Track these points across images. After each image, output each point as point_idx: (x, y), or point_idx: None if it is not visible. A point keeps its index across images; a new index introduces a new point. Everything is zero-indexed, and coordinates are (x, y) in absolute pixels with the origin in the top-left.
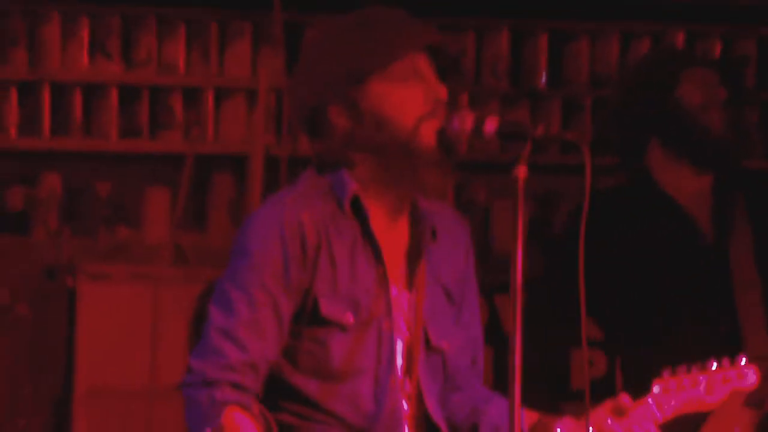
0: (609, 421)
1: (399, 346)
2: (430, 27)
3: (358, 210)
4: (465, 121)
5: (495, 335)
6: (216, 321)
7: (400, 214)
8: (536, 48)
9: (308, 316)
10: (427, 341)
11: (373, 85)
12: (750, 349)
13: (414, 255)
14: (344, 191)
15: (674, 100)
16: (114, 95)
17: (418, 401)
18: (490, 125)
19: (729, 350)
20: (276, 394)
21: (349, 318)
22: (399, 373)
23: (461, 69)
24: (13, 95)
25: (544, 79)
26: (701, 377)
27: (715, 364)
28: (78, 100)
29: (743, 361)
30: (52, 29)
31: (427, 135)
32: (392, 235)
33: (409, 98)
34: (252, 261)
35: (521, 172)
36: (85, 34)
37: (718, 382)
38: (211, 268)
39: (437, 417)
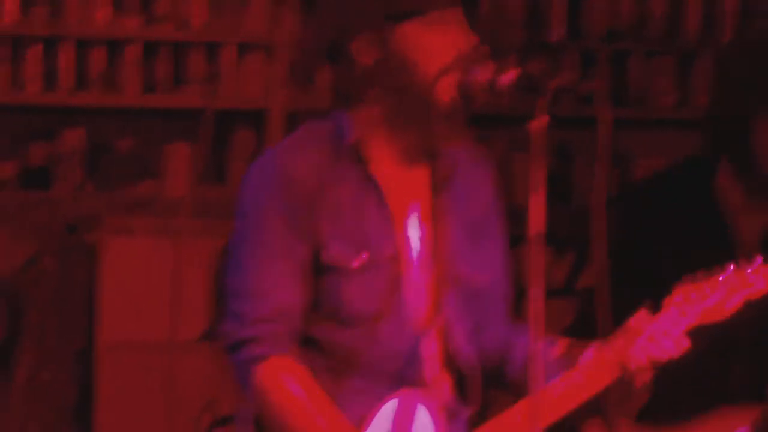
0: (634, 340)
1: (423, 284)
2: None
3: (359, 156)
4: (484, 73)
5: (515, 286)
6: (229, 284)
7: (414, 157)
8: (552, 0)
9: (317, 262)
10: (456, 276)
11: (407, 26)
12: None
13: (435, 191)
14: (344, 138)
15: (747, 139)
16: (134, 51)
17: (446, 339)
18: (508, 77)
19: (754, 370)
20: (312, 348)
21: (358, 260)
22: (424, 311)
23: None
24: (35, 51)
25: (561, 31)
26: (715, 283)
27: (732, 266)
28: (99, 55)
29: (759, 261)
30: None
31: (446, 88)
32: (405, 176)
33: (440, 46)
34: (252, 217)
35: (539, 124)
36: None
37: (736, 286)
38: (232, 222)
39: (464, 355)
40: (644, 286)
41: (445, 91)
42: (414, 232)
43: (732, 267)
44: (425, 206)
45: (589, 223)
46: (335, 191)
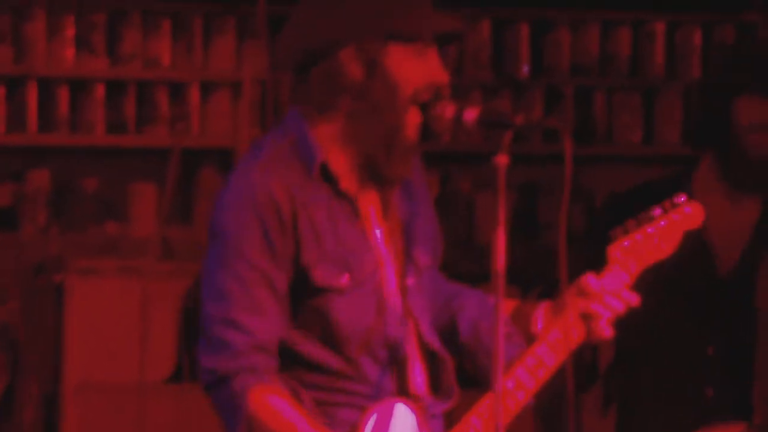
0: (582, 303)
1: (396, 288)
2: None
3: (326, 175)
4: (446, 110)
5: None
6: (213, 312)
7: (366, 173)
8: (517, 38)
9: (303, 287)
10: (415, 263)
11: (397, 48)
12: (758, 391)
13: (385, 196)
14: (312, 158)
15: (729, 116)
16: (100, 90)
17: (419, 334)
18: (471, 114)
19: (722, 377)
20: (298, 369)
21: (344, 280)
22: (400, 315)
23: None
24: (0, 92)
25: (525, 68)
26: (650, 229)
27: (657, 210)
28: (64, 95)
29: (682, 199)
30: (38, 25)
31: (413, 121)
32: (365, 186)
33: (421, 73)
34: (233, 241)
35: (502, 160)
36: (70, 30)
37: (667, 228)
38: (199, 262)
39: (432, 342)
40: None
41: (412, 124)
42: (380, 236)
43: (658, 210)
44: (378, 206)
45: (554, 260)
46: (311, 211)
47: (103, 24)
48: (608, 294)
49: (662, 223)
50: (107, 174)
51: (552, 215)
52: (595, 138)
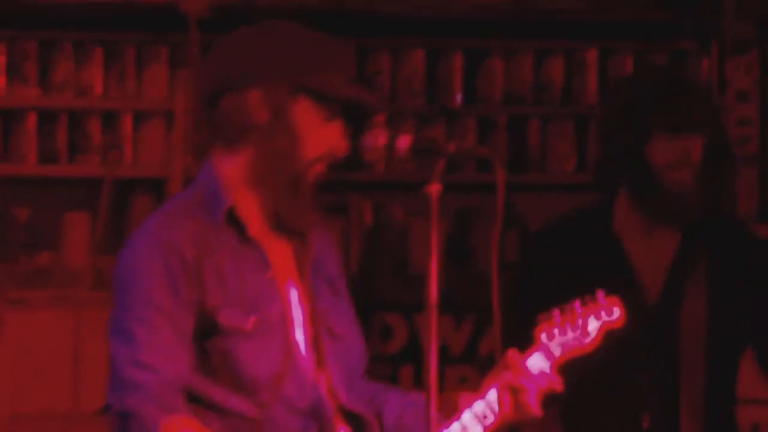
0: (508, 376)
1: (307, 342)
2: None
3: (234, 221)
4: (378, 138)
5: (415, 353)
6: (122, 354)
7: (277, 222)
8: (451, 66)
9: (209, 330)
10: (330, 330)
11: (307, 103)
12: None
13: (300, 250)
14: (218, 203)
15: (643, 154)
16: (32, 120)
17: (335, 393)
18: (404, 142)
19: (657, 406)
20: (211, 416)
21: (250, 323)
22: (313, 369)
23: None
24: None
25: (459, 97)
26: (571, 322)
27: (578, 303)
28: None
29: (602, 296)
30: None
31: (314, 177)
32: (275, 237)
33: (322, 139)
34: (140, 288)
35: (434, 188)
36: (1, 59)
37: (589, 321)
38: None
39: (351, 404)
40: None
41: (313, 178)
42: (291, 292)
43: (578, 303)
44: (293, 266)
45: (488, 287)
46: (217, 258)
47: (35, 53)
48: (533, 371)
49: (582, 320)
50: (39, 204)
51: (485, 242)
52: (528, 166)
